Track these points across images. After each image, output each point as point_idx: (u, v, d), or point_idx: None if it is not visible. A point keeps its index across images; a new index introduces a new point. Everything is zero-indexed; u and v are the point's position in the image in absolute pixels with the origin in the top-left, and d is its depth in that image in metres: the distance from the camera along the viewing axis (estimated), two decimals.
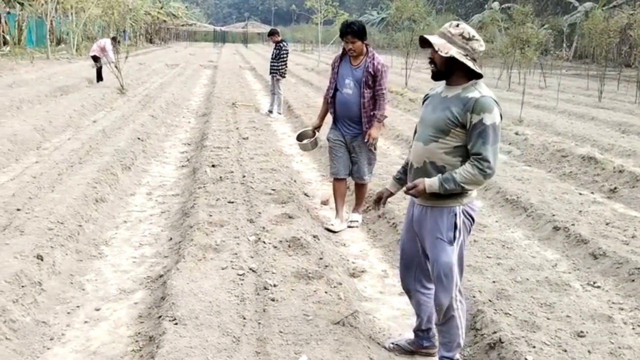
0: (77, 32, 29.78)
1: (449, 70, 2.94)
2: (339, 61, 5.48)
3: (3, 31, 26.09)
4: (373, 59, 5.30)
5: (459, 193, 2.94)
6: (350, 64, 5.37)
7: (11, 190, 5.70)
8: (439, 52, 2.86)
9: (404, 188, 3.05)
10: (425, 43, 2.94)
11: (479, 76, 2.92)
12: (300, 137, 5.82)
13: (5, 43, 26.15)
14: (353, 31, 5.20)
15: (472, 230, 5.18)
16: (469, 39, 2.89)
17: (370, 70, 5.25)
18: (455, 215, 2.97)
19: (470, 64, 2.88)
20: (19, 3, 25.01)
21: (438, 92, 3.07)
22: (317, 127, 5.74)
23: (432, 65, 2.97)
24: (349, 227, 5.68)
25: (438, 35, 2.95)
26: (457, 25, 2.93)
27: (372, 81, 5.27)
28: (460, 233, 3.00)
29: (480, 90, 2.88)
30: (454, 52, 2.87)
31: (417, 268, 3.24)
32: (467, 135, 2.87)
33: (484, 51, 2.96)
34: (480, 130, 2.82)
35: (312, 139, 5.71)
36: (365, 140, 5.39)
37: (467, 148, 2.89)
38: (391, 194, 3.33)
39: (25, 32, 28.99)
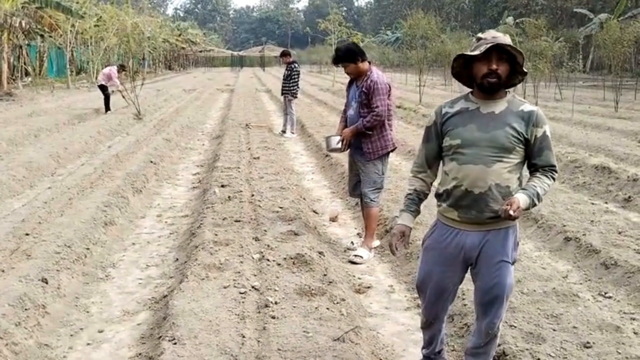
0: (97, 61, 30.40)
1: (506, 83, 2.76)
2: (351, 82, 5.46)
3: (25, 62, 26.74)
4: (368, 77, 5.19)
5: None
6: (356, 85, 5.33)
7: (22, 216, 5.78)
8: (521, 64, 2.71)
9: (508, 214, 2.57)
10: (491, 52, 2.65)
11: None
12: (328, 141, 5.58)
13: (27, 74, 26.79)
14: (339, 57, 5.27)
15: None
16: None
17: (364, 89, 5.17)
18: (516, 232, 2.84)
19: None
20: (39, 35, 25.64)
21: (471, 109, 2.80)
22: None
23: (495, 78, 2.68)
24: (351, 261, 5.21)
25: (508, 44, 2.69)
26: (505, 34, 2.77)
27: (368, 100, 5.18)
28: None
29: (526, 102, 2.79)
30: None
31: (448, 299, 3.01)
32: (527, 150, 2.74)
33: None
34: (547, 142, 2.74)
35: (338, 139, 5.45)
36: (338, 136, 5.40)
37: (526, 163, 2.78)
38: (410, 229, 3.02)
39: (46, 62, 29.71)
